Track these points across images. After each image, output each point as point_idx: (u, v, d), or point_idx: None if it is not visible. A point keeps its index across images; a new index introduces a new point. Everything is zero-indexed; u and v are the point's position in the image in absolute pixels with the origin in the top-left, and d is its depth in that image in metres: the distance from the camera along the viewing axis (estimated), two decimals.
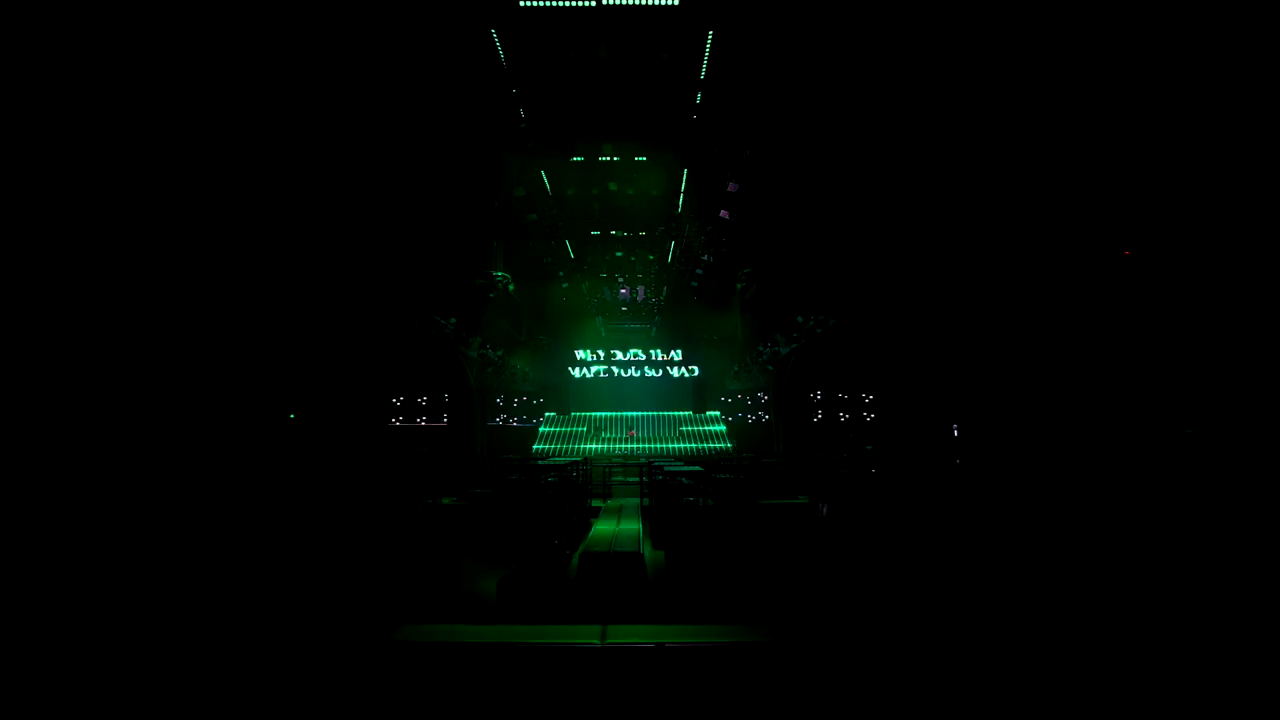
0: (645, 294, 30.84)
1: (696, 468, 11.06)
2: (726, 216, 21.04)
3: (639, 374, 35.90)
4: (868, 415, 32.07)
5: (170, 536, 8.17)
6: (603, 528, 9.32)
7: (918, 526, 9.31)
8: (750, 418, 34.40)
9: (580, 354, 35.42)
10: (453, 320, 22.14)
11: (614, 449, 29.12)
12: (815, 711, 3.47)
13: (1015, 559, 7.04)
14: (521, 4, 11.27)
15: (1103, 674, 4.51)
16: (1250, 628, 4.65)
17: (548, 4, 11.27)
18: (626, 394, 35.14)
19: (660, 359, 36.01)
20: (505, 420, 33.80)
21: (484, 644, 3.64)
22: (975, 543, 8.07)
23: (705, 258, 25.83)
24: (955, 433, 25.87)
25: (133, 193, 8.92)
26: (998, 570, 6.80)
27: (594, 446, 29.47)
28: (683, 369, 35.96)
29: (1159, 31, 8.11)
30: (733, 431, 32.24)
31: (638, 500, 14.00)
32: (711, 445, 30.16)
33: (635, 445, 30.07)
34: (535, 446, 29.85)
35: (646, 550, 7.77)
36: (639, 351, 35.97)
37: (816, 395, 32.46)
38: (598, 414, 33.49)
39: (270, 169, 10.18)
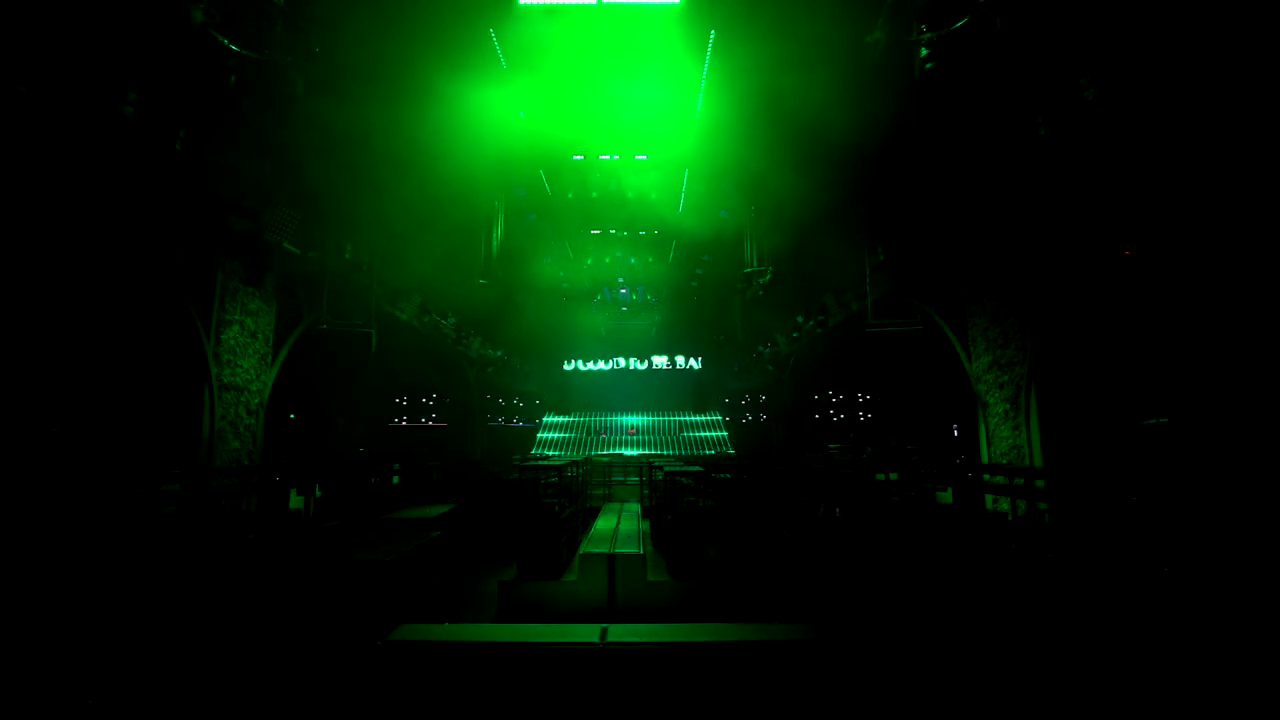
0: (645, 294, 30.76)
1: (696, 468, 11.01)
2: (726, 216, 21.01)
3: (639, 375, 35.86)
4: (865, 415, 32.03)
5: (162, 538, 8.13)
6: (603, 528, 9.28)
7: (923, 528, 9.26)
8: (750, 418, 34.35)
9: (581, 355, 35.34)
10: (452, 319, 22.05)
11: (614, 450, 29.08)
12: (823, 709, 3.42)
13: (1026, 559, 6.99)
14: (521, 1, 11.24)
15: (1109, 674, 4.47)
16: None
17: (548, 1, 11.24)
18: (627, 395, 35.11)
19: (660, 359, 35.95)
20: (505, 421, 33.74)
21: (483, 643, 3.59)
22: (979, 544, 8.03)
23: (705, 257, 25.76)
24: (955, 433, 25.90)
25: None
26: (1006, 572, 6.75)
27: (594, 451, 29.47)
28: (683, 370, 35.90)
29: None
30: (733, 432, 32.20)
31: (638, 500, 13.98)
32: (712, 446, 30.12)
33: (635, 448, 30.04)
34: (534, 450, 29.81)
35: (647, 550, 7.72)
36: (639, 352, 35.90)
37: (817, 396, 32.43)
38: (598, 415, 33.45)
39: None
